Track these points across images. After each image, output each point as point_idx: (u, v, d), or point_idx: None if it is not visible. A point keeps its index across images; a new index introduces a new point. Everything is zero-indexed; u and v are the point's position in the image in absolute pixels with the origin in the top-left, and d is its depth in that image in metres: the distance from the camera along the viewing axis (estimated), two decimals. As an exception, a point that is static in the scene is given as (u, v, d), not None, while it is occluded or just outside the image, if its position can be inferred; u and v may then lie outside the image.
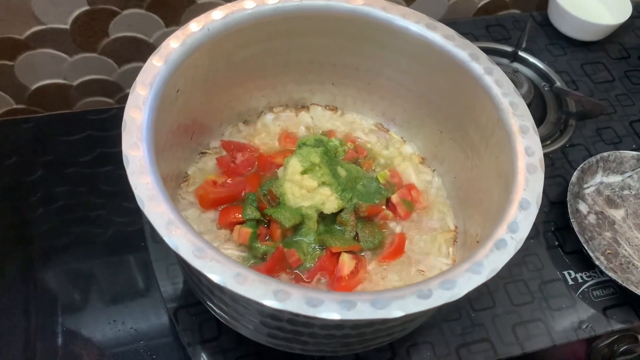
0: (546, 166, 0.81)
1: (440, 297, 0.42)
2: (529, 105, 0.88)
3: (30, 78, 0.86)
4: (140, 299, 0.66)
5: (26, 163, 0.77)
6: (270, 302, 0.40)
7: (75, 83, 0.88)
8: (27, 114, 0.89)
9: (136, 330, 0.64)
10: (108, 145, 0.79)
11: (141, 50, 0.87)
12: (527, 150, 0.52)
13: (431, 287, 0.43)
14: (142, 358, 0.62)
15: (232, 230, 0.60)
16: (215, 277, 0.41)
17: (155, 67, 0.51)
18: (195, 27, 0.55)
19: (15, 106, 0.88)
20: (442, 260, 0.62)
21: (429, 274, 0.61)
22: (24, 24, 0.78)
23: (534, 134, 0.53)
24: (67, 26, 0.81)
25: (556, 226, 0.76)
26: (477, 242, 0.56)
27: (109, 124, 0.83)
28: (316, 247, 0.59)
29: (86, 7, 0.79)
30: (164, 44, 0.53)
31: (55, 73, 0.86)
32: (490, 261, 0.45)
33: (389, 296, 0.42)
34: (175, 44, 0.53)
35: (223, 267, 0.41)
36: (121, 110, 0.48)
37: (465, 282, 0.43)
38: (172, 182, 0.60)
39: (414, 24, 0.60)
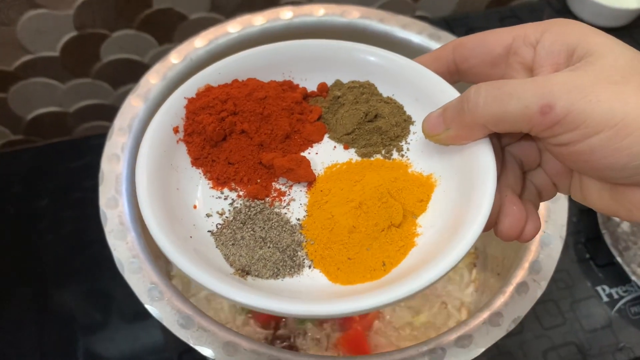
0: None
1: (456, 358, 0.38)
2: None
3: (25, 108, 0.83)
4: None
5: (30, 192, 0.74)
6: (264, 377, 0.36)
7: (71, 110, 0.85)
8: (26, 144, 0.87)
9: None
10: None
11: (136, 71, 0.83)
12: (548, 174, 0.47)
13: (445, 346, 0.38)
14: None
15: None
16: (201, 350, 0.37)
17: (134, 108, 0.47)
18: (176, 58, 0.50)
19: (12, 137, 0.86)
20: (466, 291, 0.57)
21: (450, 308, 0.56)
22: (11, 54, 0.75)
23: (555, 154, 0.48)
24: (57, 53, 0.77)
25: (586, 237, 0.70)
26: (498, 274, 0.52)
27: (111, 148, 0.80)
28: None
29: (74, 33, 0.76)
30: (142, 81, 0.49)
31: (49, 101, 0.83)
32: (511, 310, 0.40)
33: (397, 359, 0.37)
34: (154, 79, 0.49)
35: (211, 337, 0.37)
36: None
37: (483, 337, 0.39)
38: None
39: (416, 34, 0.55)
